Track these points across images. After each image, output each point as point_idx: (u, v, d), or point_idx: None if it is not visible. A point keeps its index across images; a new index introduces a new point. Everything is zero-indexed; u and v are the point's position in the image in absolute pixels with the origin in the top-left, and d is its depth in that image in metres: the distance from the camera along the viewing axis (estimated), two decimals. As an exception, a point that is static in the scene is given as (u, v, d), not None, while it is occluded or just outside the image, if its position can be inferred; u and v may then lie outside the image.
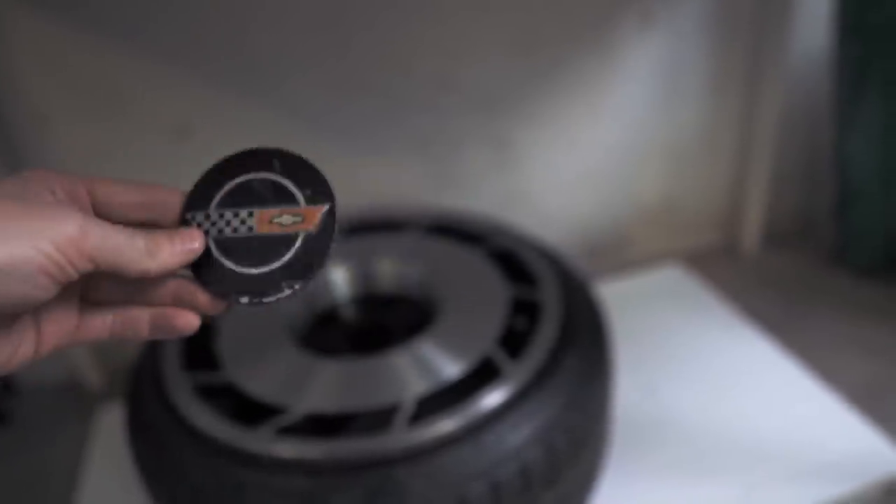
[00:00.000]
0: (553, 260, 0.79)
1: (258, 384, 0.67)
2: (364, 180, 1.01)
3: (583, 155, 1.10)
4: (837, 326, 1.02)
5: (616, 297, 1.02)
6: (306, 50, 0.90)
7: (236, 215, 0.36)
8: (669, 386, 0.90)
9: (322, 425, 0.62)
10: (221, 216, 0.36)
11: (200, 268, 0.36)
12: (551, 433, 0.60)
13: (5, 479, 0.90)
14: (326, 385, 0.66)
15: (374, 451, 0.57)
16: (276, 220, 0.36)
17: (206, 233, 0.36)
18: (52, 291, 0.30)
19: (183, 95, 0.90)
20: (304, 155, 0.37)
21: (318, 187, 0.36)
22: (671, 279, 1.13)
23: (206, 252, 0.36)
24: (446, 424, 0.58)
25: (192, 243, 0.35)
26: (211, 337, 0.73)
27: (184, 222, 0.36)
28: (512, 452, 0.58)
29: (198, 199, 0.37)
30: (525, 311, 0.72)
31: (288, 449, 0.59)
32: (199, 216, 0.36)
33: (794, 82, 1.10)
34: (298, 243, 0.35)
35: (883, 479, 0.76)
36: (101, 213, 0.35)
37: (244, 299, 0.35)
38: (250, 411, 0.63)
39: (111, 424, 0.90)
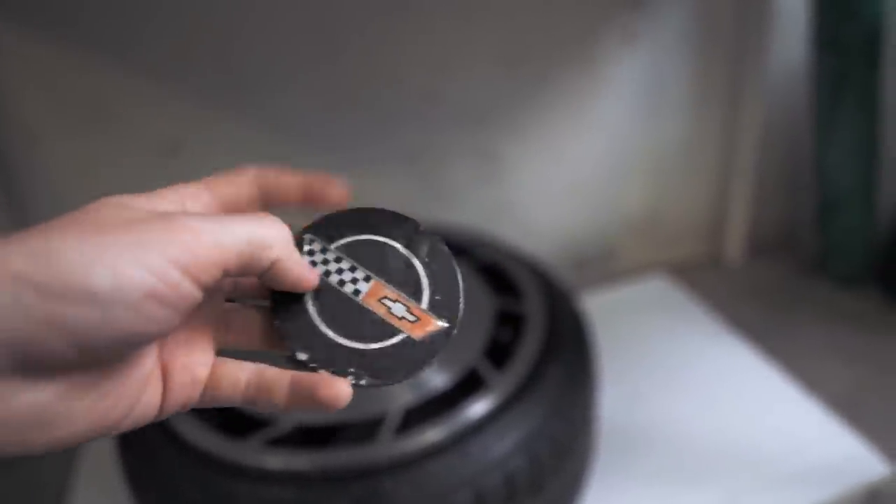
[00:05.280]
0: (538, 272, 0.81)
1: (247, 397, 0.67)
2: (351, 193, 1.02)
3: (568, 168, 1.11)
4: (819, 335, 1.04)
5: (602, 308, 1.03)
6: (293, 64, 0.91)
7: (353, 269, 0.31)
8: (655, 395, 0.91)
9: (310, 436, 0.63)
10: (338, 260, 0.31)
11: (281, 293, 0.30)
12: (535, 442, 0.61)
13: (-5, 495, 0.90)
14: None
15: (361, 462, 0.58)
16: (386, 301, 0.30)
17: (313, 264, 0.31)
18: (169, 322, 0.24)
19: (171, 111, 0.91)
20: (455, 261, 0.32)
21: (449, 301, 0.31)
22: (656, 290, 1.15)
23: None
24: (432, 434, 0.60)
25: (311, 274, 0.30)
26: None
27: (298, 240, 0.31)
28: (496, 461, 0.59)
29: (327, 227, 0.32)
30: (510, 323, 0.73)
31: (277, 460, 0.59)
32: (318, 245, 0.31)
33: (775, 96, 1.12)
34: (393, 341, 0.30)
35: (864, 484, 0.78)
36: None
37: (302, 355, 0.30)
38: (239, 423, 0.64)
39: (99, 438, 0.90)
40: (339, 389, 0.28)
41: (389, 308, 0.30)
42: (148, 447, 0.64)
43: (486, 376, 0.65)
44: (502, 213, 1.11)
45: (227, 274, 0.25)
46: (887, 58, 0.97)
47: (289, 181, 0.33)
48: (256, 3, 0.87)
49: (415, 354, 0.30)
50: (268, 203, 0.32)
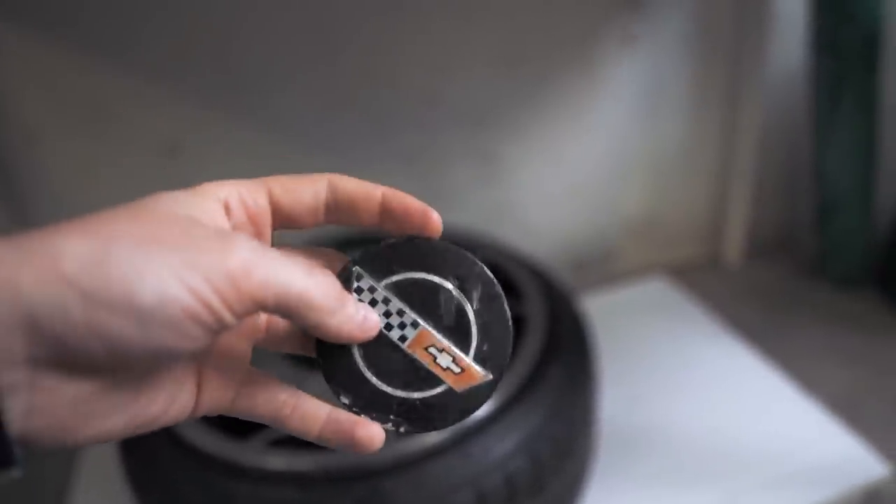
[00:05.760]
0: (538, 273, 0.81)
1: (248, 397, 0.67)
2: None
3: (568, 169, 1.11)
4: (818, 336, 1.04)
5: (602, 309, 1.03)
6: (292, 65, 0.92)
7: (401, 313, 0.30)
8: (654, 396, 0.91)
9: (311, 437, 0.63)
10: (387, 301, 0.30)
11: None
12: (536, 443, 0.61)
13: (-6, 496, 0.90)
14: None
15: (362, 462, 0.58)
16: (432, 350, 0.29)
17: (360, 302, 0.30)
18: (202, 341, 0.24)
19: (170, 111, 0.91)
20: (509, 308, 0.30)
21: (498, 351, 0.30)
22: (656, 291, 1.15)
23: None
24: (433, 435, 0.60)
25: (370, 320, 0.29)
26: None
27: (346, 273, 0.30)
28: (497, 462, 0.59)
29: (379, 260, 0.30)
30: (510, 324, 0.73)
31: (278, 461, 0.60)
32: (366, 282, 0.30)
33: (773, 98, 1.12)
34: (435, 392, 0.30)
35: (862, 485, 0.78)
36: (284, 224, 0.30)
37: (345, 399, 0.30)
38: (241, 424, 0.64)
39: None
40: (376, 432, 0.29)
41: (435, 357, 0.29)
42: (149, 448, 0.64)
43: (486, 377, 0.65)
44: (502, 214, 1.11)
45: (263, 311, 0.26)
46: (885, 61, 0.97)
47: (366, 196, 0.30)
48: (255, 4, 0.87)
49: (456, 405, 0.30)
50: (337, 219, 0.30)
